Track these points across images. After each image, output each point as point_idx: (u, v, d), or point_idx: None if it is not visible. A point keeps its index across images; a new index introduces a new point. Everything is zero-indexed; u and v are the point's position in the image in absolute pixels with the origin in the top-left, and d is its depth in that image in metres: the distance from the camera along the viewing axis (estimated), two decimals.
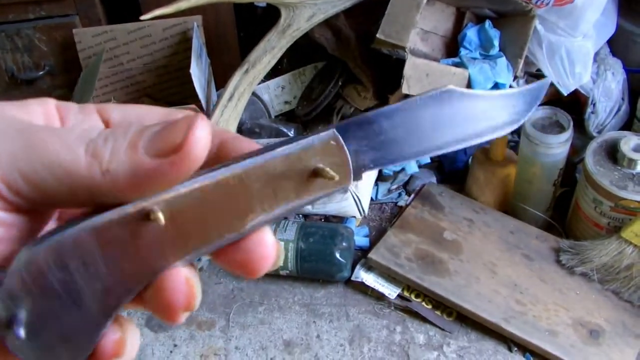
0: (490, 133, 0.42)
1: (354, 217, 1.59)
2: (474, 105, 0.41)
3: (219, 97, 1.51)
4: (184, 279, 0.35)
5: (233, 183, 0.34)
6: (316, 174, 0.36)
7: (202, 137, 0.33)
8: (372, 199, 1.66)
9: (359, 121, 0.37)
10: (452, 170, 1.71)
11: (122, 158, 0.33)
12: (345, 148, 0.37)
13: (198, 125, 0.33)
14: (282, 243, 1.46)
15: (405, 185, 1.69)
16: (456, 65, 1.53)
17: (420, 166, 1.66)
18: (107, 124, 0.41)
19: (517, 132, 1.69)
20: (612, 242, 1.38)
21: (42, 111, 0.38)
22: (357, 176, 0.38)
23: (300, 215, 1.61)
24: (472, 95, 0.41)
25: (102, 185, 0.33)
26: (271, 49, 1.52)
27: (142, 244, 0.33)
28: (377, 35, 1.47)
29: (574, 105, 1.69)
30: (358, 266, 1.49)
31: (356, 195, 1.53)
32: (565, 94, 1.61)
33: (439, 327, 1.40)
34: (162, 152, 0.32)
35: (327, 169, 0.36)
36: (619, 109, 1.66)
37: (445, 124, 0.40)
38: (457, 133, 0.40)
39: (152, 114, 0.42)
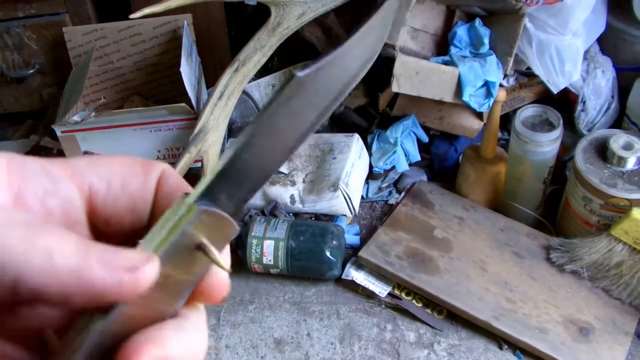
0: (349, 87, 0.37)
1: (345, 215, 1.59)
2: (328, 75, 0.36)
3: (209, 95, 1.51)
4: None
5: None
6: (200, 248, 0.34)
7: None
8: (362, 197, 1.66)
9: (222, 174, 0.34)
10: (443, 168, 1.71)
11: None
12: (219, 212, 0.34)
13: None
14: (273, 241, 1.45)
15: (396, 183, 1.69)
16: (446, 63, 1.53)
17: (410, 164, 1.66)
18: (89, 191, 0.36)
19: (508, 129, 1.70)
20: (602, 239, 1.38)
21: None
22: (238, 215, 0.36)
23: (291, 214, 1.61)
24: (321, 69, 0.35)
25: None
26: (261, 47, 1.52)
27: None
28: None
29: (564, 103, 1.69)
30: (348, 264, 1.49)
31: (347, 193, 1.53)
32: (555, 92, 1.61)
33: (430, 325, 1.41)
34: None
35: (209, 247, 0.34)
36: (608, 107, 1.66)
37: (300, 114, 0.35)
38: (313, 114, 0.36)
39: (132, 170, 0.37)
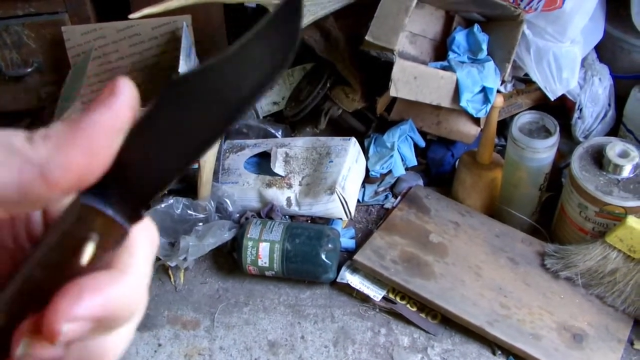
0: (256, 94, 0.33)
1: (341, 218, 1.59)
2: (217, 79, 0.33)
3: None
4: None
5: None
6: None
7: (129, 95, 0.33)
8: (358, 201, 1.66)
9: (111, 174, 0.33)
10: (439, 173, 1.71)
11: (59, 125, 0.31)
12: (100, 209, 0.33)
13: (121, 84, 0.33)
14: (268, 244, 1.46)
15: (392, 187, 1.69)
16: (444, 68, 1.53)
17: (407, 169, 1.66)
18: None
19: (504, 135, 1.70)
20: (597, 246, 1.38)
21: None
22: (136, 219, 0.34)
23: (287, 217, 1.61)
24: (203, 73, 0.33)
25: (43, 154, 0.31)
26: None
27: None
28: (366, 38, 1.47)
29: (560, 110, 1.69)
30: (343, 268, 1.49)
31: (343, 197, 1.53)
32: (552, 99, 1.62)
33: (424, 330, 1.41)
34: (98, 104, 0.32)
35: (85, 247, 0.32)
36: (605, 115, 1.67)
37: (183, 120, 0.34)
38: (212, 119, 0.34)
39: None
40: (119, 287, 0.32)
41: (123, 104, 0.33)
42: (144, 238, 0.35)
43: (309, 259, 1.45)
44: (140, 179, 0.33)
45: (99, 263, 0.32)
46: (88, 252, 0.32)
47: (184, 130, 0.33)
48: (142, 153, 0.33)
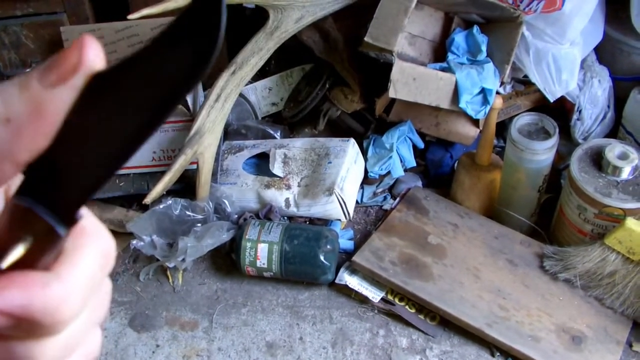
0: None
1: (339, 220, 1.59)
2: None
3: (206, 97, 1.51)
4: None
5: None
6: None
7: (96, 54, 0.31)
8: (357, 202, 1.66)
9: (32, 170, 0.32)
10: (438, 175, 1.71)
11: (16, 102, 0.30)
12: (27, 207, 0.32)
13: (88, 43, 0.31)
14: (267, 245, 1.45)
15: (391, 188, 1.69)
16: (443, 70, 1.53)
17: (406, 170, 1.66)
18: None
19: (503, 137, 1.70)
20: (596, 248, 1.38)
21: None
22: (71, 222, 0.33)
23: (285, 218, 1.61)
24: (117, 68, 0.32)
25: (6, 139, 0.30)
26: (259, 50, 1.52)
27: None
28: (365, 39, 1.47)
29: (560, 111, 1.69)
30: (342, 269, 1.49)
31: (342, 198, 1.53)
32: (552, 101, 1.62)
33: (422, 331, 1.41)
34: (60, 78, 0.30)
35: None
36: (604, 117, 1.67)
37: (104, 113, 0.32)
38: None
39: None
40: (48, 291, 0.31)
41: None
42: (91, 248, 0.34)
43: (307, 260, 1.45)
44: (71, 179, 0.33)
45: (35, 265, 0.32)
46: (16, 253, 0.31)
47: (106, 127, 0.32)
48: (71, 152, 0.32)
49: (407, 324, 1.42)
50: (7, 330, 0.30)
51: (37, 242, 0.32)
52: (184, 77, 0.32)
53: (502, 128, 1.71)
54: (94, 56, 0.31)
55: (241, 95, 1.72)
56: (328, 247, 1.45)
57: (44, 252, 0.32)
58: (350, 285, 1.46)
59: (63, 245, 0.33)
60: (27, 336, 0.31)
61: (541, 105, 1.71)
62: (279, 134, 1.76)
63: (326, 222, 1.59)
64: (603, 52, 1.69)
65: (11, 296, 0.29)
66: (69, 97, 0.31)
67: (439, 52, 1.66)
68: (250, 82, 1.75)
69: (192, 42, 0.32)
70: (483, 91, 1.51)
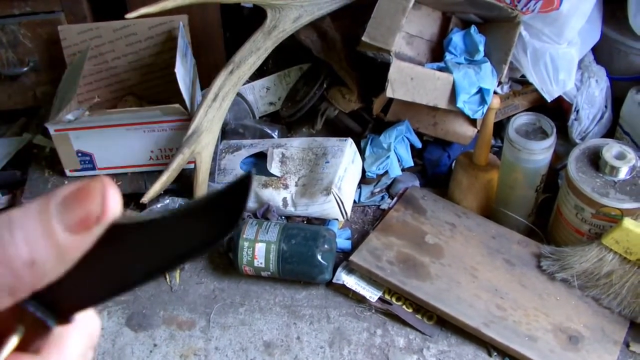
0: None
1: (337, 219, 1.59)
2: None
3: (204, 96, 1.51)
4: None
5: None
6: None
7: (117, 204, 0.33)
8: (355, 202, 1.66)
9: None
10: (435, 174, 1.71)
11: (42, 246, 0.31)
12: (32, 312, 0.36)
13: (110, 192, 0.33)
14: (264, 244, 1.45)
15: (388, 188, 1.69)
16: (441, 69, 1.53)
17: (403, 170, 1.66)
18: None
19: (501, 137, 1.70)
20: (593, 248, 1.38)
21: None
22: (65, 322, 0.37)
23: (283, 217, 1.61)
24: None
25: (28, 281, 0.32)
26: (256, 49, 1.52)
27: None
28: (363, 38, 1.47)
29: (557, 111, 1.70)
30: (339, 268, 1.49)
31: (339, 197, 1.53)
32: (549, 101, 1.62)
33: (419, 331, 1.41)
34: (82, 227, 0.32)
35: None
36: (602, 117, 1.67)
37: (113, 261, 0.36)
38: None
39: None
40: None
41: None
42: (79, 333, 0.37)
43: (304, 260, 1.45)
44: (72, 297, 0.36)
45: (27, 348, 0.36)
46: (11, 344, 0.35)
47: (114, 268, 0.36)
48: (78, 278, 0.35)
49: (405, 323, 1.42)
50: None
51: (29, 332, 0.36)
52: (194, 248, 0.35)
53: (500, 128, 1.71)
54: (115, 206, 0.33)
55: (239, 94, 1.71)
56: (325, 246, 1.45)
57: (35, 338, 0.36)
58: (347, 285, 1.46)
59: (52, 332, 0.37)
60: None
61: (539, 105, 1.72)
62: (276, 133, 1.76)
63: (324, 221, 1.59)
64: (600, 52, 1.69)
65: None
66: (90, 242, 0.33)
67: (437, 52, 1.66)
68: (248, 82, 1.74)
69: (213, 222, 0.35)
70: (481, 91, 1.51)
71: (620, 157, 1.38)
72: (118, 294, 0.37)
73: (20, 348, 0.35)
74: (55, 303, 0.35)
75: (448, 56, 1.58)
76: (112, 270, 0.36)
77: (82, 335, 0.38)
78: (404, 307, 1.43)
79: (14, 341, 0.35)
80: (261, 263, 1.46)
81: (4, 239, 0.31)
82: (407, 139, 1.64)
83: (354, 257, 1.47)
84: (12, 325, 0.35)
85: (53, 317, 0.36)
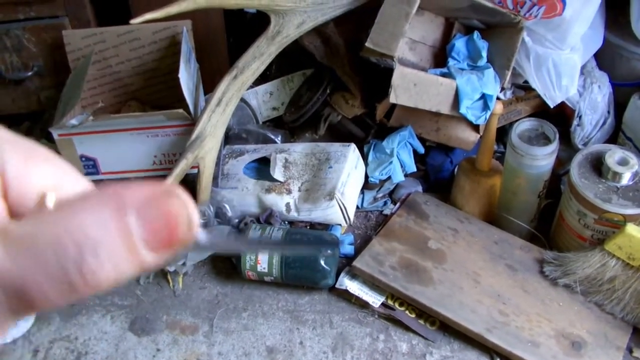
0: None
1: (340, 224, 1.59)
2: None
3: (207, 102, 1.51)
4: None
5: None
6: None
7: (198, 223, 0.32)
8: (357, 207, 1.66)
9: None
10: (438, 180, 1.71)
11: (127, 268, 0.31)
12: None
13: (193, 213, 0.32)
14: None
15: (391, 193, 1.69)
16: (444, 75, 1.53)
17: (406, 175, 1.67)
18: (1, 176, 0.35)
19: (503, 142, 1.70)
20: (596, 254, 1.38)
21: None
22: None
23: (286, 222, 1.61)
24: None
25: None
26: (260, 55, 1.53)
27: None
28: (366, 44, 1.47)
29: (560, 117, 1.70)
30: (342, 274, 1.49)
31: (342, 203, 1.53)
32: (552, 106, 1.62)
33: (422, 336, 1.41)
34: (165, 246, 0.31)
35: None
36: (604, 122, 1.67)
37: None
38: None
39: (67, 180, 0.37)
40: None
41: None
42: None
43: (307, 265, 1.45)
44: None
45: None
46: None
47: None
48: None
49: (407, 328, 1.42)
50: None
51: None
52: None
53: (503, 133, 1.71)
54: (197, 227, 0.33)
55: (242, 99, 1.72)
56: (328, 251, 1.45)
57: None
58: (350, 290, 1.46)
59: None
60: None
61: (541, 110, 1.72)
62: (279, 138, 1.77)
63: (327, 226, 1.59)
64: (603, 58, 1.70)
65: None
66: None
67: (440, 58, 1.66)
68: (251, 87, 1.75)
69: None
70: (483, 97, 1.51)
71: (623, 162, 1.38)
72: None
73: None
74: None
75: (451, 62, 1.58)
76: None
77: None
78: (406, 312, 1.43)
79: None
80: (264, 268, 1.46)
81: (91, 265, 0.30)
82: (410, 144, 1.64)
83: (356, 263, 1.47)
84: None
85: None
